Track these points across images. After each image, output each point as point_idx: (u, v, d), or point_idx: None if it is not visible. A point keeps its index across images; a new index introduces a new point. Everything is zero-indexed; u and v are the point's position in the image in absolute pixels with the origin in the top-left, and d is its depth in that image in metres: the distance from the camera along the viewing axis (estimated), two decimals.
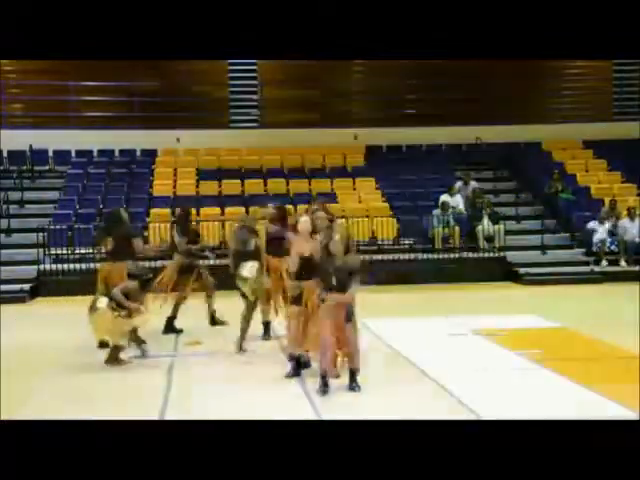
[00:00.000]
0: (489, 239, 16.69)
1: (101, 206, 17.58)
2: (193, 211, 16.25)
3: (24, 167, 18.96)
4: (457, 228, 16.76)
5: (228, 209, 17.33)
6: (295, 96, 21.46)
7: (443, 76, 20.46)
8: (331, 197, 17.93)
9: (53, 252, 15.59)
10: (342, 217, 15.46)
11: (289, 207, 11.45)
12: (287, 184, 18.71)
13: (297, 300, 7.71)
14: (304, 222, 7.86)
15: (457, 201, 17.51)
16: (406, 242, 16.54)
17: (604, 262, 16.30)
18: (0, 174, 18.73)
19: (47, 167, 19.46)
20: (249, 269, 8.82)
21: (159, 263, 12.49)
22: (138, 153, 20.20)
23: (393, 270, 15.65)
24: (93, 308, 8.44)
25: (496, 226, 16.75)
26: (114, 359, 8.53)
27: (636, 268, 16.13)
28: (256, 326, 10.44)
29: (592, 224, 16.84)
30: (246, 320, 9.18)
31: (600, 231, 16.67)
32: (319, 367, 7.20)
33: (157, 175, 19.19)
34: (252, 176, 19.11)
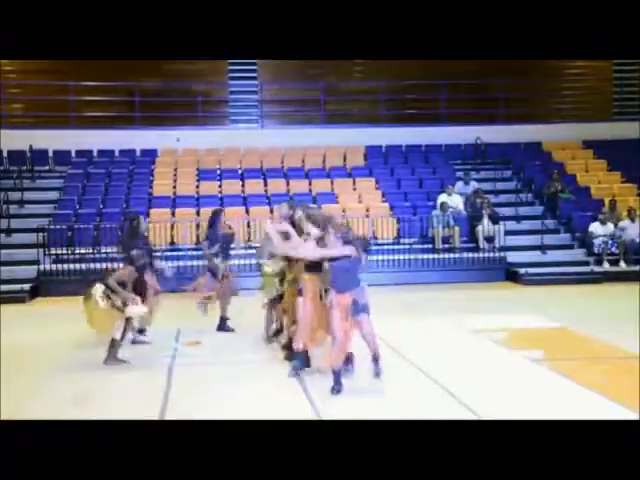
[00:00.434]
0: (489, 239, 16.70)
1: (101, 206, 17.59)
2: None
3: (24, 167, 18.95)
4: (457, 228, 16.76)
5: (228, 209, 17.32)
6: (295, 96, 21.47)
7: (443, 76, 20.48)
8: (331, 197, 17.98)
9: (53, 252, 15.60)
10: (342, 217, 15.50)
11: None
12: (287, 184, 18.71)
13: (300, 292, 7.76)
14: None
15: (455, 201, 17.51)
16: (406, 242, 16.54)
17: (606, 264, 16.30)
18: (0, 174, 18.73)
19: (47, 167, 19.47)
20: (273, 263, 8.79)
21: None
22: (138, 153, 20.20)
23: (393, 270, 15.67)
24: (88, 295, 8.44)
25: (496, 226, 16.75)
26: (113, 358, 8.53)
27: (636, 268, 16.14)
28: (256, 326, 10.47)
29: (593, 226, 16.84)
30: (269, 312, 9.36)
31: (601, 232, 16.67)
32: (333, 365, 7.14)
33: (157, 175, 19.19)
34: (252, 176, 19.12)
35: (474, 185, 18.49)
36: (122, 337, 8.63)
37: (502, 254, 16.41)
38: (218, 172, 19.47)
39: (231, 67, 21.47)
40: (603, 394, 6.92)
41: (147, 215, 17.14)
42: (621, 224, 16.89)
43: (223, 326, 10.51)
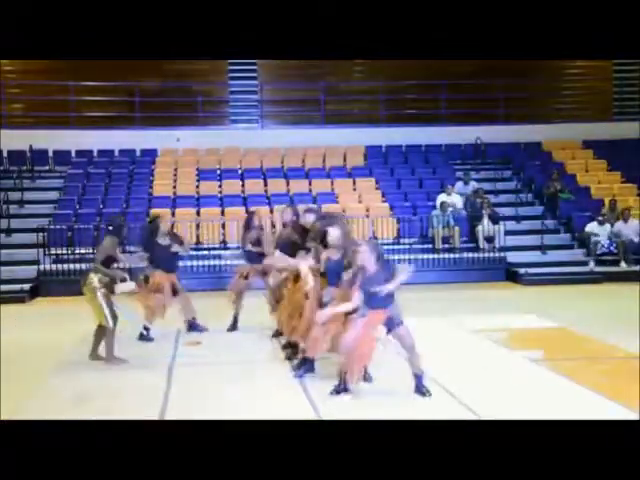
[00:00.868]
0: (489, 239, 16.70)
1: (101, 206, 17.59)
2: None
3: (24, 167, 18.95)
4: (457, 228, 16.76)
5: (228, 209, 17.35)
6: (295, 96, 21.48)
7: (443, 76, 20.49)
8: (331, 197, 17.98)
9: (53, 252, 15.60)
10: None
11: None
12: (287, 184, 18.71)
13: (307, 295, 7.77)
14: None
15: (454, 201, 17.53)
16: (406, 242, 16.54)
17: (591, 263, 16.26)
18: (0, 174, 18.73)
19: (47, 167, 19.47)
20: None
21: None
22: (138, 153, 20.20)
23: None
24: (87, 289, 8.53)
25: (496, 226, 16.76)
26: (112, 355, 8.59)
27: (636, 268, 16.14)
28: (256, 326, 10.47)
29: (590, 226, 16.84)
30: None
31: (597, 233, 16.67)
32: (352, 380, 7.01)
33: (157, 175, 19.19)
34: (252, 176, 19.12)
35: (474, 185, 18.50)
36: (113, 330, 8.63)
37: (502, 254, 16.41)
38: (218, 172, 19.47)
39: (231, 67, 21.47)
40: (603, 394, 6.92)
41: (147, 215, 17.16)
42: (616, 225, 16.87)
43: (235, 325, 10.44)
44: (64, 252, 15.54)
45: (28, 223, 16.48)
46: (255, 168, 19.58)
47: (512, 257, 16.42)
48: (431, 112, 20.90)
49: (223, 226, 16.67)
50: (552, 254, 16.72)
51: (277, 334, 9.56)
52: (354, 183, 18.90)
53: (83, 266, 14.94)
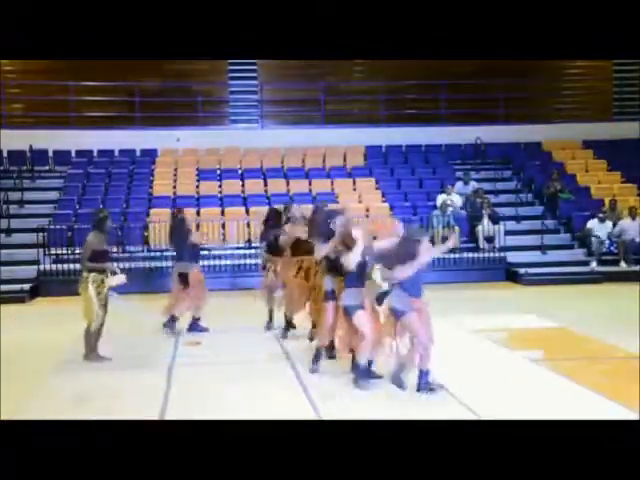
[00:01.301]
0: (489, 239, 16.70)
1: (101, 206, 17.57)
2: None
3: (24, 167, 18.94)
4: (457, 228, 16.75)
5: (228, 209, 17.35)
6: (295, 96, 21.48)
7: (443, 76, 20.48)
8: (331, 197, 17.96)
9: (53, 252, 15.59)
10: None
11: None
12: (287, 184, 18.71)
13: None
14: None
15: (454, 201, 17.52)
16: None
17: (594, 263, 16.28)
18: (0, 174, 18.73)
19: (47, 167, 19.46)
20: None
21: None
22: (138, 153, 20.19)
23: None
24: (83, 287, 8.62)
25: (496, 226, 16.75)
26: (93, 353, 8.67)
27: (636, 268, 16.13)
28: (256, 326, 10.47)
29: (591, 223, 16.85)
30: None
31: (599, 230, 16.67)
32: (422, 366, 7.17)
33: (157, 175, 19.18)
34: (252, 176, 19.12)
35: (474, 185, 18.50)
36: (100, 328, 8.69)
37: (502, 254, 16.40)
38: (218, 172, 19.47)
39: (231, 67, 21.46)
40: (603, 394, 6.92)
41: (147, 215, 17.17)
42: (622, 223, 16.87)
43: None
44: (64, 252, 15.53)
45: (28, 223, 16.47)
46: (255, 168, 19.58)
47: (512, 257, 16.42)
48: (431, 112, 20.89)
49: (223, 226, 16.66)
50: (552, 254, 16.72)
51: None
52: (354, 183, 18.90)
53: None
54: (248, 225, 16.70)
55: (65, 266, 15.17)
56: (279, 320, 10.10)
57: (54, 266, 15.26)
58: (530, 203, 18.71)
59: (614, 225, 16.88)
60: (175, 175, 19.21)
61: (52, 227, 16.00)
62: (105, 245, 8.82)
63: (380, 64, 20.76)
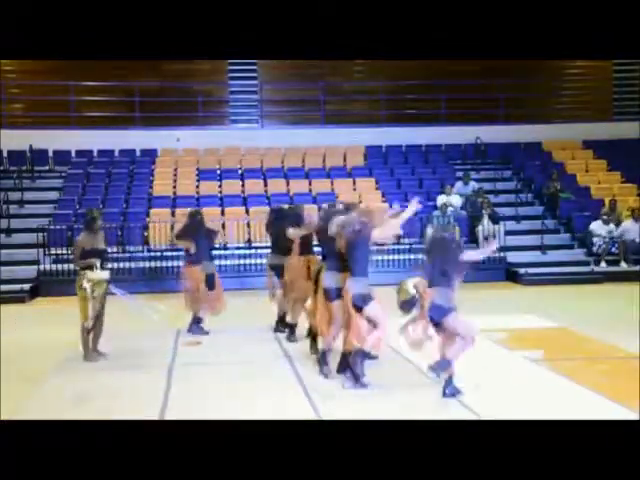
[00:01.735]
0: (489, 239, 16.68)
1: (101, 206, 17.57)
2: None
3: (24, 167, 18.94)
4: (457, 228, 16.73)
5: (228, 209, 17.34)
6: (295, 96, 21.47)
7: (443, 76, 20.47)
8: (331, 197, 17.95)
9: (53, 252, 15.59)
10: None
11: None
12: (287, 184, 18.71)
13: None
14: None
15: (452, 201, 17.52)
16: (406, 242, 16.52)
17: (603, 263, 16.31)
18: (0, 174, 18.72)
19: (47, 167, 19.46)
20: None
21: None
22: (138, 153, 20.19)
23: (393, 270, 15.64)
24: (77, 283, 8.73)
25: (496, 226, 16.75)
26: (89, 351, 8.73)
27: (636, 268, 16.13)
28: (256, 326, 10.47)
29: (595, 224, 16.84)
30: None
31: (602, 232, 16.67)
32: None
33: (157, 175, 19.18)
34: (252, 176, 19.12)
35: (473, 185, 18.50)
36: (93, 326, 8.74)
37: (502, 254, 16.40)
38: (218, 172, 19.46)
39: (231, 67, 21.46)
40: (603, 394, 6.92)
41: (147, 215, 17.17)
42: (624, 224, 16.86)
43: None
44: (64, 252, 15.51)
45: (28, 223, 16.48)
46: (255, 168, 19.58)
47: (512, 257, 16.42)
48: (431, 112, 20.88)
49: (223, 226, 16.64)
50: (552, 254, 16.72)
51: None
52: (354, 183, 18.90)
53: None
54: (248, 225, 16.70)
55: (65, 266, 15.15)
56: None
57: (54, 266, 15.26)
58: (530, 203, 18.71)
59: (616, 226, 16.88)
60: (175, 175, 19.21)
61: (52, 227, 16.00)
62: (99, 244, 8.84)
63: (380, 64, 20.76)
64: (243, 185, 18.83)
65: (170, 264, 15.46)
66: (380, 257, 15.65)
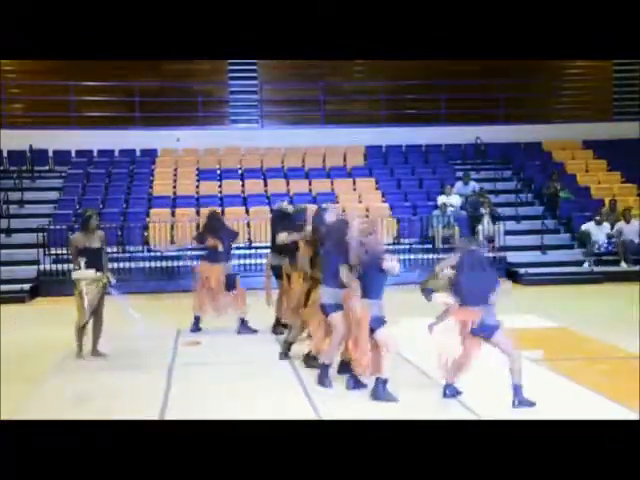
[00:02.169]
0: (489, 239, 16.70)
1: (101, 206, 17.58)
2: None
3: (24, 167, 18.93)
4: (457, 228, 16.75)
5: (228, 209, 17.34)
6: (295, 96, 21.47)
7: (443, 76, 20.47)
8: (331, 197, 17.96)
9: (53, 252, 15.58)
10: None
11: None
12: (287, 184, 18.71)
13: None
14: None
15: (452, 202, 17.53)
16: (406, 242, 16.53)
17: (586, 264, 16.27)
18: (0, 174, 18.72)
19: (47, 167, 19.45)
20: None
21: None
22: (138, 153, 20.18)
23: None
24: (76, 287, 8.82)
25: (496, 226, 16.75)
26: (79, 349, 8.79)
27: (636, 268, 16.13)
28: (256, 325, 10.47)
29: (587, 225, 16.83)
30: None
31: (595, 233, 16.67)
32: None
33: (157, 175, 19.18)
34: (252, 176, 19.12)
35: (474, 185, 18.50)
36: (86, 323, 8.82)
37: (502, 254, 16.39)
38: (218, 172, 19.46)
39: (231, 67, 21.45)
40: (603, 394, 6.92)
41: (147, 215, 17.17)
42: (617, 226, 16.86)
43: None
44: (64, 252, 15.49)
45: (28, 223, 16.47)
46: (255, 168, 19.57)
47: (512, 257, 16.41)
48: (431, 112, 20.87)
49: (249, 225, 16.66)
50: (552, 254, 16.72)
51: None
52: (354, 183, 18.90)
53: None
54: (248, 225, 16.70)
55: (65, 266, 15.12)
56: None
57: (54, 266, 15.25)
58: (530, 203, 18.71)
59: (612, 226, 16.88)
60: (175, 175, 19.21)
61: (52, 227, 15.99)
62: (93, 243, 8.88)
63: (380, 64, 20.74)
64: (243, 185, 18.82)
65: (170, 264, 15.48)
66: None
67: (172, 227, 16.56)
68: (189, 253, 15.78)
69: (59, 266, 15.18)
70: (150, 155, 20.09)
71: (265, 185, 18.78)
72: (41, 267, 15.35)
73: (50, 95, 20.39)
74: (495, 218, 16.86)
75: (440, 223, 16.73)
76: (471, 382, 7.51)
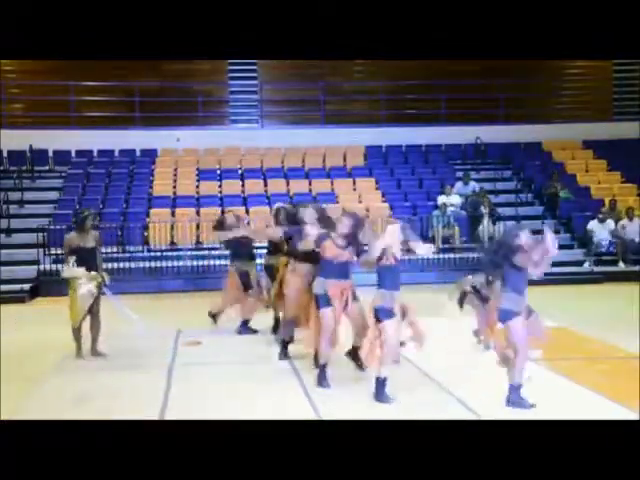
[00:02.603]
0: (489, 239, 16.68)
1: (101, 206, 17.58)
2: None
3: (24, 167, 18.94)
4: (457, 228, 16.75)
5: (228, 209, 17.31)
6: (295, 96, 21.47)
7: (443, 76, 20.48)
8: (331, 197, 17.96)
9: (53, 252, 15.57)
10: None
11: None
12: (287, 184, 18.71)
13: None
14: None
15: (452, 201, 17.53)
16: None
17: (586, 264, 16.27)
18: (0, 174, 18.72)
19: (47, 167, 19.45)
20: None
21: None
22: (138, 153, 20.19)
23: None
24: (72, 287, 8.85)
25: (496, 226, 16.74)
26: (78, 349, 8.82)
27: (636, 268, 16.13)
28: (257, 325, 10.48)
29: (592, 224, 16.84)
30: None
31: (600, 231, 16.67)
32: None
33: (157, 175, 19.18)
34: (252, 176, 19.12)
35: (473, 185, 18.51)
36: (81, 323, 8.85)
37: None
38: (218, 172, 19.46)
39: (231, 67, 21.46)
40: (603, 394, 6.92)
41: (147, 215, 17.17)
42: (620, 224, 16.87)
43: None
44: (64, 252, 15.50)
45: (28, 223, 16.47)
46: (255, 168, 19.57)
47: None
48: (431, 112, 20.87)
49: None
50: None
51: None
52: (354, 183, 18.90)
53: None
54: (248, 225, 16.67)
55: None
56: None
57: (54, 266, 15.23)
58: (530, 203, 18.71)
59: (615, 224, 16.89)
60: (175, 175, 19.21)
61: (52, 227, 15.99)
62: (87, 243, 8.90)
63: (380, 64, 20.76)
64: (243, 185, 18.83)
65: (170, 264, 15.48)
66: None
67: (172, 227, 16.57)
68: (189, 253, 15.84)
69: (59, 266, 15.13)
70: (150, 155, 20.10)
71: (265, 185, 18.78)
72: (41, 267, 15.35)
73: (50, 95, 20.39)
74: (495, 218, 16.86)
75: (440, 223, 16.73)
76: (471, 382, 7.52)
